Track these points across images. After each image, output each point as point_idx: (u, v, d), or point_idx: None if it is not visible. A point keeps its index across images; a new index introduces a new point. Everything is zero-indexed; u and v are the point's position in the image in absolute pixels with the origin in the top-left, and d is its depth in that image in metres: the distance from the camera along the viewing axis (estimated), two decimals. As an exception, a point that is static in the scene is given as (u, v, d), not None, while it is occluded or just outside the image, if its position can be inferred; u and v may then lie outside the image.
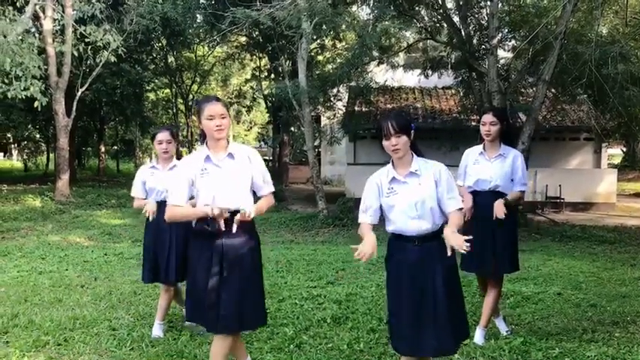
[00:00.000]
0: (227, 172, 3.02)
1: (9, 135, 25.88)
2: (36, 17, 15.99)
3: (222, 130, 2.99)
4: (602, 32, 12.31)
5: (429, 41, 15.36)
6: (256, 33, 18.62)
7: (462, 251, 2.65)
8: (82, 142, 28.69)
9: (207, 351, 3.51)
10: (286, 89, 12.92)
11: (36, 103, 11.71)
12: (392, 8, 11.87)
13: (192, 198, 3.12)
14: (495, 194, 4.02)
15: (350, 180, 15.91)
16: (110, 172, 29.32)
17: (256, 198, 3.16)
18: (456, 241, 2.67)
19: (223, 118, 2.99)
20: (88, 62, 16.19)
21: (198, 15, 17.21)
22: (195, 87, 26.43)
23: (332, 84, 13.68)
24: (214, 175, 3.01)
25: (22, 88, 11.36)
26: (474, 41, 12.79)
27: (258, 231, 3.13)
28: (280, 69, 17.61)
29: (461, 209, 2.92)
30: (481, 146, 4.17)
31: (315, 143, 17.95)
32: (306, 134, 13.55)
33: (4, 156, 37.57)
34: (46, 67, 13.95)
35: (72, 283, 6.13)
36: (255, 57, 23.81)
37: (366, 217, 2.93)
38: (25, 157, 31.42)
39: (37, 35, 16.87)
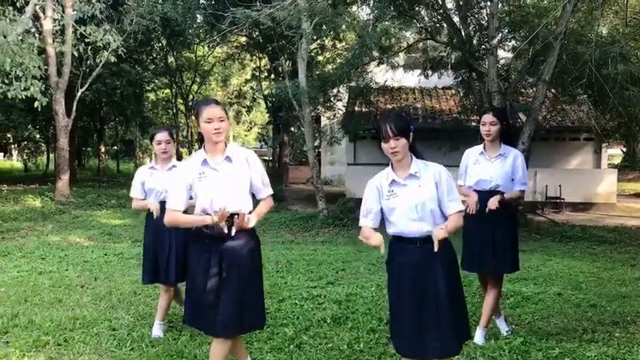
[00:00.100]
0: (225, 176, 3.01)
1: (9, 135, 25.88)
2: (36, 17, 15.98)
3: (220, 134, 2.98)
4: (602, 32, 12.31)
5: (429, 41, 15.36)
6: (256, 33, 18.61)
7: (436, 240, 2.75)
8: (82, 142, 28.69)
9: (207, 351, 3.51)
10: (286, 89, 12.91)
11: (36, 104, 11.71)
12: (392, 8, 11.87)
13: (191, 198, 3.12)
14: (496, 194, 4.02)
15: (350, 180, 15.91)
16: (110, 172, 29.33)
17: (255, 201, 3.16)
18: (437, 231, 2.78)
19: (222, 121, 2.98)
20: (88, 62, 16.18)
21: (198, 15, 17.21)
22: (195, 87, 26.43)
23: (332, 84, 13.68)
24: (212, 179, 3.00)
25: (22, 89, 11.35)
26: (474, 41, 12.79)
27: (258, 231, 3.13)
28: (280, 69, 17.61)
29: (461, 211, 2.92)
30: (481, 146, 4.18)
31: (315, 143, 17.95)
32: (306, 134, 13.55)
33: (4, 156, 37.59)
34: (46, 67, 13.94)
35: (72, 283, 6.13)
36: (255, 57, 23.79)
37: (367, 221, 2.93)
38: (25, 157, 31.42)
39: (37, 35, 16.87)
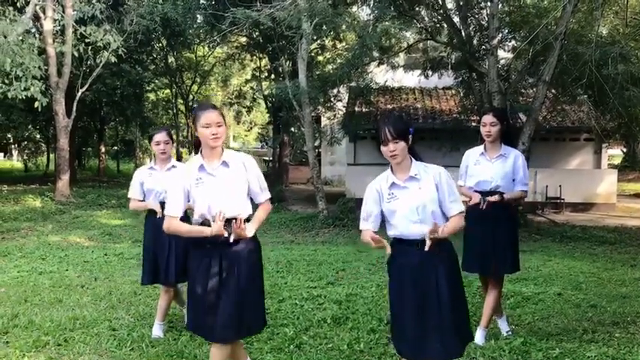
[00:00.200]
0: (222, 181, 3.00)
1: (9, 135, 25.85)
2: (36, 18, 15.98)
3: (218, 139, 2.96)
4: (602, 33, 12.30)
5: (429, 42, 15.35)
6: (256, 33, 18.61)
7: (427, 240, 2.75)
8: (82, 142, 28.67)
9: (207, 351, 3.51)
10: (286, 89, 12.91)
11: (36, 104, 11.72)
12: (392, 9, 11.86)
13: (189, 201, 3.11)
14: (496, 195, 4.03)
15: (350, 180, 15.90)
16: (110, 172, 29.31)
17: (254, 206, 3.15)
18: (428, 231, 2.78)
19: (219, 126, 2.96)
20: (89, 62, 16.18)
21: (198, 15, 17.19)
22: (195, 87, 26.43)
23: (332, 84, 13.69)
24: (209, 185, 2.99)
25: (22, 89, 11.37)
26: (474, 42, 12.80)
27: (258, 232, 3.12)
28: (280, 69, 17.61)
29: (462, 212, 2.92)
30: (482, 147, 4.18)
31: (316, 144, 17.95)
32: (307, 135, 13.55)
33: (5, 156, 37.55)
34: (46, 67, 13.95)
35: (72, 283, 6.13)
36: (255, 57, 23.78)
37: (368, 225, 2.93)
38: (25, 157, 31.39)
39: (37, 35, 16.88)
